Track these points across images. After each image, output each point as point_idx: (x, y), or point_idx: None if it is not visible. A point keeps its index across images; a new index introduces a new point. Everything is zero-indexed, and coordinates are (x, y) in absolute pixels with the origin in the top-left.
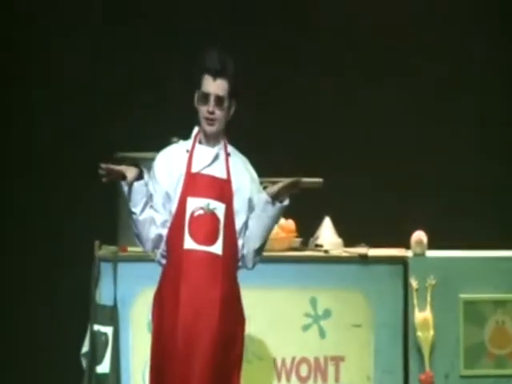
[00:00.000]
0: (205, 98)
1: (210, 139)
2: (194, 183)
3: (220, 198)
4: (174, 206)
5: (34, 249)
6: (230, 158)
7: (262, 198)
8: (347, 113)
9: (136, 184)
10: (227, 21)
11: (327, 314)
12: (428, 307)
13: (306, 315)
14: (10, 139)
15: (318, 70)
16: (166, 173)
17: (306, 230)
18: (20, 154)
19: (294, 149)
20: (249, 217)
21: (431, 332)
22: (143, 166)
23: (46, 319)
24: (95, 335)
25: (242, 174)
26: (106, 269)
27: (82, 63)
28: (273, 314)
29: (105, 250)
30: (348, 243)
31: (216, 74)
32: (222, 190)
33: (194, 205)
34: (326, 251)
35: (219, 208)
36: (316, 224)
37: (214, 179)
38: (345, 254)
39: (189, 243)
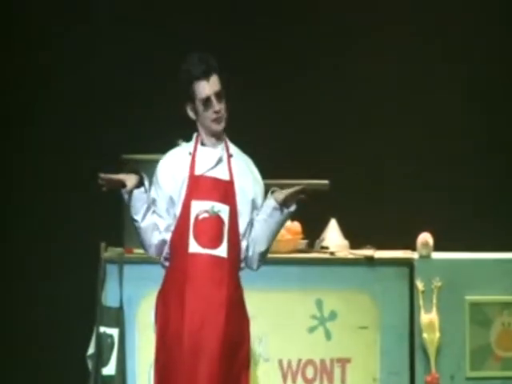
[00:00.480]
0: (205, 102)
1: (214, 139)
2: (198, 186)
3: (224, 200)
4: (178, 210)
5: (40, 250)
6: (233, 159)
7: (269, 203)
8: (353, 114)
9: (136, 191)
10: (227, 21)
11: (333, 315)
12: (434, 309)
13: (311, 317)
14: (15, 140)
15: (321, 70)
16: (169, 177)
17: (312, 232)
18: (25, 155)
19: (300, 151)
20: (252, 218)
21: (437, 334)
22: (148, 168)
23: (51, 321)
24: (101, 337)
25: (244, 174)
26: (111, 271)
27: (83, 64)
28: (279, 316)
29: (111, 252)
30: (354, 245)
31: (205, 74)
32: (225, 191)
33: (199, 208)
34: (331, 253)
35: (223, 210)
36: (322, 226)
37: (217, 181)
38: (351, 256)
39: (194, 247)
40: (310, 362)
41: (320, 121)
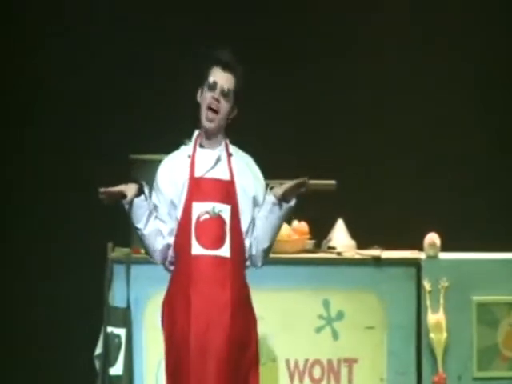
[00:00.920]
0: (211, 86)
1: (211, 140)
2: (198, 188)
3: (225, 200)
4: (179, 213)
5: (48, 251)
6: (232, 158)
7: (268, 199)
8: (360, 113)
9: (136, 200)
10: (227, 21)
11: (340, 315)
12: (441, 309)
13: (319, 317)
14: (22, 140)
15: (324, 69)
16: (170, 181)
17: (319, 232)
18: (32, 155)
19: (306, 151)
20: (254, 215)
21: (444, 334)
22: (155, 168)
23: (59, 321)
24: (108, 337)
25: (245, 173)
26: (119, 271)
27: (83, 64)
28: (286, 316)
29: (118, 252)
30: (361, 245)
31: (226, 67)
32: (226, 191)
33: (200, 209)
34: (339, 253)
35: (225, 210)
36: (329, 226)
37: (217, 182)
38: (358, 256)
39: (196, 249)
40: (317, 361)
41: (327, 120)
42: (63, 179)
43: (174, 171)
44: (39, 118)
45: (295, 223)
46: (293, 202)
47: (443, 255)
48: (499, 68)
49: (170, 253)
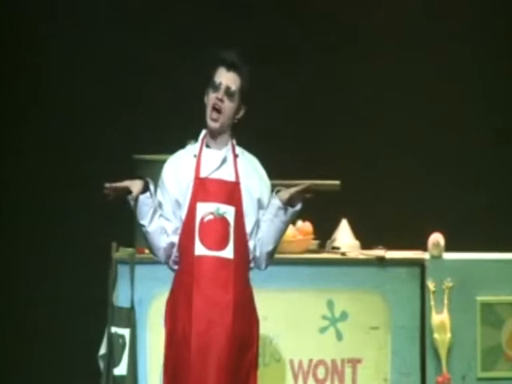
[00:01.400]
0: (216, 87)
1: (217, 140)
2: (203, 188)
3: (229, 201)
4: (183, 213)
5: (51, 251)
6: (238, 160)
7: (274, 203)
8: (362, 114)
9: (141, 197)
10: (227, 21)
11: (344, 316)
12: (445, 309)
13: (322, 317)
14: (25, 140)
15: (327, 69)
16: (175, 180)
17: (323, 233)
18: (36, 155)
19: (310, 151)
20: (259, 217)
21: (448, 334)
22: (159, 169)
23: (63, 321)
24: (112, 337)
25: (250, 174)
26: (123, 271)
27: (84, 63)
28: (290, 317)
29: (122, 252)
30: (365, 245)
31: (231, 67)
32: (231, 192)
33: (204, 210)
34: (343, 253)
35: (229, 212)
36: (333, 226)
37: (222, 183)
38: (362, 257)
39: (199, 249)
40: (320, 362)
41: (330, 120)
42: (67, 179)
43: (179, 170)
44: (42, 117)
45: (299, 223)
46: (298, 207)
47: (447, 255)
48: (502, 66)
49: (175, 252)
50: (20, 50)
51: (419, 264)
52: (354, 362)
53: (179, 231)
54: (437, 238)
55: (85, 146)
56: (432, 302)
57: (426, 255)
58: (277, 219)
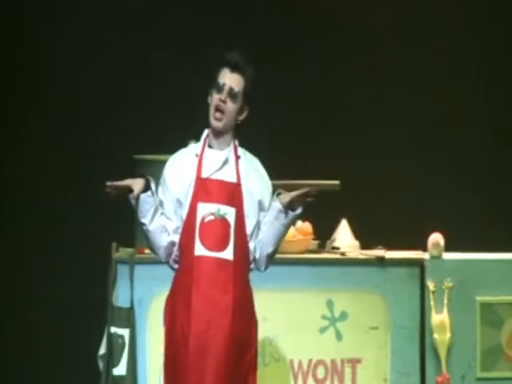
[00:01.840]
0: (219, 88)
1: (219, 141)
2: (204, 189)
3: (230, 203)
4: (184, 212)
5: (51, 251)
6: (240, 161)
7: (275, 206)
8: (362, 114)
9: (143, 195)
10: (227, 21)
11: (344, 316)
12: (445, 309)
13: (322, 317)
14: (26, 140)
15: (327, 69)
16: (177, 180)
17: (323, 233)
18: (36, 155)
19: (310, 151)
20: (259, 219)
21: (448, 334)
22: (160, 169)
23: (62, 321)
24: (112, 337)
25: (252, 176)
26: (122, 271)
27: (84, 63)
28: (290, 317)
29: (122, 252)
30: (365, 245)
31: (234, 68)
32: (232, 194)
33: (205, 210)
34: (342, 253)
35: (230, 213)
36: (333, 226)
37: (224, 184)
38: (362, 257)
39: (199, 250)
40: (320, 362)
41: (330, 120)
42: (67, 179)
43: (181, 170)
44: (42, 117)
45: (299, 223)
46: (299, 211)
47: (447, 255)
48: (502, 65)
49: (175, 251)
50: (20, 50)
51: (419, 264)
52: (354, 362)
53: (180, 230)
54: (436, 238)
55: (85, 146)
56: (432, 302)
57: (425, 255)
58: (277, 222)
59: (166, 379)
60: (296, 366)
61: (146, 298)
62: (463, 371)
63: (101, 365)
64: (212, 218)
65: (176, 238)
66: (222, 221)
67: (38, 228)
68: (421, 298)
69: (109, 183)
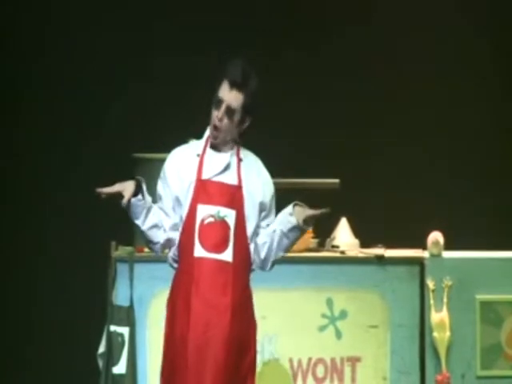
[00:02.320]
0: (217, 103)
1: (220, 145)
2: (205, 190)
3: (230, 205)
4: (184, 213)
5: (50, 250)
6: (242, 163)
7: (291, 220)
8: (362, 112)
9: (133, 200)
10: (227, 21)
11: (343, 314)
12: (444, 308)
13: (322, 316)
14: (26, 140)
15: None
16: (177, 178)
17: (323, 231)
18: (35, 154)
19: (310, 150)
20: (260, 220)
21: (448, 333)
22: (159, 167)
23: (62, 320)
24: (112, 336)
25: (254, 178)
26: (122, 269)
27: (84, 63)
28: (289, 315)
29: (121, 251)
30: (364, 244)
31: (234, 85)
32: (232, 196)
33: (204, 212)
34: (342, 252)
35: (230, 215)
36: (332, 225)
37: (224, 186)
38: (361, 255)
39: (199, 251)
40: (320, 360)
41: (329, 119)
42: (66, 178)
43: (182, 169)
44: (42, 117)
45: None
46: (310, 228)
47: (447, 254)
48: (502, 65)
49: (174, 249)
50: (20, 50)
51: (419, 262)
52: (354, 361)
53: (178, 227)
54: (436, 237)
55: (85, 145)
56: (431, 301)
57: (425, 254)
58: (290, 234)
59: (163, 380)
60: (295, 364)
61: (145, 297)
62: (463, 370)
63: (100, 363)
64: (212, 220)
65: (172, 235)
66: (222, 223)
67: (38, 227)
68: (420, 296)
69: (98, 190)
